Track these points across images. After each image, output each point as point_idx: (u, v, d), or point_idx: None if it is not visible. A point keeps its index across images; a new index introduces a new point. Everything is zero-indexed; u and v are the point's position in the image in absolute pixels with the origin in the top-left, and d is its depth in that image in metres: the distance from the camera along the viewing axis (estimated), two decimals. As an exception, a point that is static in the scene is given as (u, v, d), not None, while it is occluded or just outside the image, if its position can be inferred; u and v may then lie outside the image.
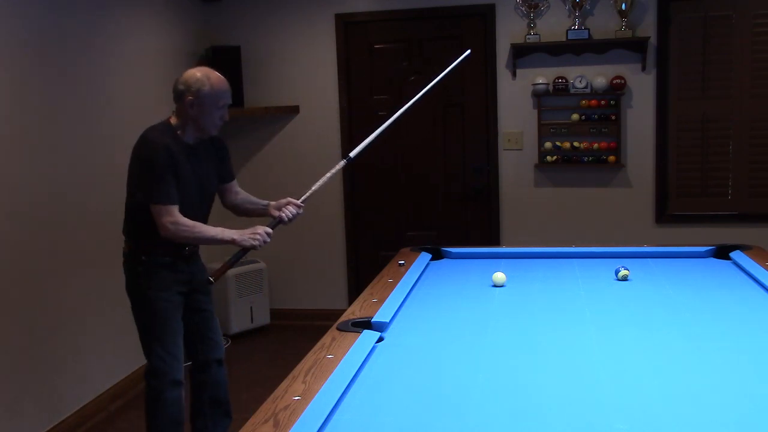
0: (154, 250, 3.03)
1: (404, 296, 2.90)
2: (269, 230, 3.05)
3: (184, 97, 2.94)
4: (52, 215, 3.78)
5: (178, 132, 3.01)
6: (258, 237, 3.00)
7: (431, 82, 3.55)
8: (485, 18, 5.17)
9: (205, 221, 3.15)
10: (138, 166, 3.01)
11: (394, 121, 3.39)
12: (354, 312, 2.70)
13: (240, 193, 3.35)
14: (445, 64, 5.37)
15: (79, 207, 3.99)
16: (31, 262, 3.63)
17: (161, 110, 4.83)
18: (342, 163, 3.30)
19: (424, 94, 3.46)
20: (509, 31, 5.13)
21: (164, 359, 3.05)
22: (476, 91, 5.28)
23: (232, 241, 3.00)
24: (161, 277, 3.06)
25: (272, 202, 3.23)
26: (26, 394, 3.59)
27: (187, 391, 3.20)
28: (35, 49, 3.66)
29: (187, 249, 3.09)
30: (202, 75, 2.96)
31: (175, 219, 2.92)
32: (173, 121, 3.03)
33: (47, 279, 3.74)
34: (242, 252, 3.06)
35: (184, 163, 2.98)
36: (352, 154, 3.28)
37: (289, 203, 3.16)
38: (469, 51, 3.65)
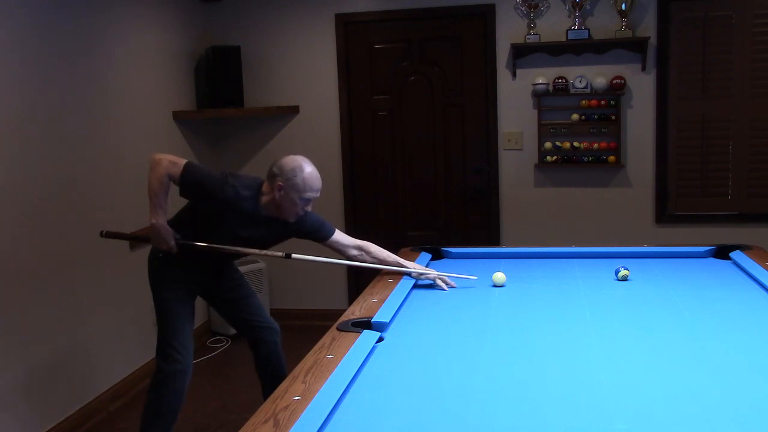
0: (173, 254, 3.13)
1: (404, 296, 2.90)
2: (174, 250, 3.07)
3: (275, 179, 3.03)
4: (52, 214, 3.78)
5: (261, 198, 3.07)
6: (159, 244, 3.07)
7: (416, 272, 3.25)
8: (485, 18, 5.17)
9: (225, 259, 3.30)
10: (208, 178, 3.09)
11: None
12: (354, 312, 2.71)
13: (362, 249, 3.30)
14: (445, 64, 5.43)
15: (80, 206, 3.98)
16: (30, 263, 3.63)
17: (161, 110, 4.85)
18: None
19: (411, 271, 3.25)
20: (509, 31, 5.13)
21: (172, 345, 3.18)
22: (476, 91, 5.27)
23: (149, 222, 3.04)
24: (171, 273, 3.18)
25: (415, 274, 3.19)
26: (26, 394, 3.59)
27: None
28: (35, 49, 3.66)
29: (161, 254, 3.15)
30: (296, 165, 3.02)
31: (167, 165, 2.98)
32: (265, 188, 3.09)
33: (47, 279, 3.74)
34: (145, 239, 3.17)
35: (236, 217, 3.05)
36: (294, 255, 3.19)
37: (437, 276, 3.16)
38: (475, 278, 3.17)
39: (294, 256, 3.13)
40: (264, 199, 3.07)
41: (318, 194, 3.09)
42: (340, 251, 3.33)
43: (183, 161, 3.03)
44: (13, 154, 3.51)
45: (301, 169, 3.02)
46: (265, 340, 3.42)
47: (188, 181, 3.01)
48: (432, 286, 3.14)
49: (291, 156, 3.08)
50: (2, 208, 3.44)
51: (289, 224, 3.15)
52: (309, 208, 3.12)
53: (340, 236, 3.31)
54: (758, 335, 2.36)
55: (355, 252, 3.30)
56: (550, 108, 5.14)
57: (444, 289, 3.09)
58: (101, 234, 3.19)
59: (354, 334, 2.41)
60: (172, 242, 3.06)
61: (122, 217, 4.27)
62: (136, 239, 3.26)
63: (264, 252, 3.12)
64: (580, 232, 5.15)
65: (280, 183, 3.01)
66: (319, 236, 3.28)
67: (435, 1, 5.20)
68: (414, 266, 3.25)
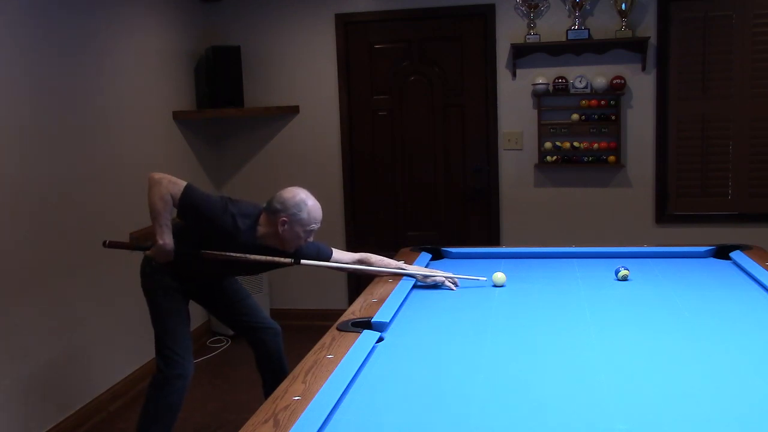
0: (166, 265, 3.13)
1: (404, 296, 2.90)
2: (169, 258, 3.04)
3: (278, 214, 3.00)
4: (52, 214, 3.78)
5: (258, 228, 3.05)
6: (160, 258, 3.05)
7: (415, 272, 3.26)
8: (485, 18, 5.17)
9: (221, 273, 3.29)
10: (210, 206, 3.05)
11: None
12: (354, 312, 2.71)
13: (363, 262, 3.29)
14: (445, 64, 5.44)
15: (81, 206, 3.98)
16: (30, 264, 3.63)
17: (161, 110, 4.85)
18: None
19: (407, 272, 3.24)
20: (509, 31, 5.13)
21: (173, 350, 3.19)
22: (476, 91, 5.27)
23: (153, 239, 3.03)
24: (164, 279, 3.18)
25: (420, 277, 3.18)
26: (26, 394, 3.59)
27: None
28: (35, 49, 3.66)
29: (153, 262, 3.14)
30: (299, 200, 3.00)
31: (167, 184, 2.95)
32: (263, 220, 3.06)
33: (47, 280, 3.74)
34: (145, 248, 3.15)
35: (231, 245, 3.04)
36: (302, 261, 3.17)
37: (446, 279, 3.14)
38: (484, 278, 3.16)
39: (303, 261, 3.12)
40: (261, 230, 3.05)
41: (319, 225, 3.08)
42: (341, 269, 3.37)
43: (183, 183, 3.00)
44: (13, 154, 3.51)
45: (305, 204, 3.01)
46: (265, 340, 3.42)
47: (187, 203, 2.98)
48: (435, 286, 3.14)
49: (291, 189, 3.06)
50: (3, 208, 3.44)
51: (287, 253, 3.13)
52: (311, 239, 3.11)
53: (338, 255, 3.30)
54: (758, 335, 2.36)
55: (356, 266, 3.30)
56: (550, 108, 5.14)
57: (452, 289, 3.09)
58: (104, 244, 3.17)
59: (354, 334, 2.41)
60: (172, 257, 3.05)
61: (122, 216, 4.27)
62: (138, 249, 3.23)
63: (273, 259, 3.11)
64: (580, 232, 5.15)
65: (284, 218, 2.99)
66: (317, 256, 3.26)
67: (435, 1, 5.20)
68: (420, 270, 3.25)
